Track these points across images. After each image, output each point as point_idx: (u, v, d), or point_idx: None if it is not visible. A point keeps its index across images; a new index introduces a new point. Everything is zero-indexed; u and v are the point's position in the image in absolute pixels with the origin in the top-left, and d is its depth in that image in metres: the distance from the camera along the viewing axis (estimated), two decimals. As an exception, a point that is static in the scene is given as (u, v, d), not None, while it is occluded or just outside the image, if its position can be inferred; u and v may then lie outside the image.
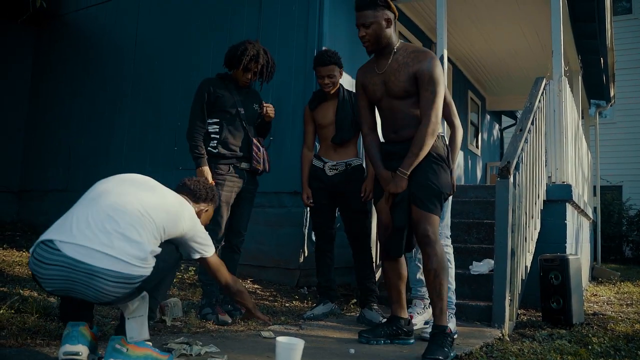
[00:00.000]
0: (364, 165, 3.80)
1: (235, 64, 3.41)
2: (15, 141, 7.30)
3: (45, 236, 2.01)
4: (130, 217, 2.09)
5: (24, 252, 4.81)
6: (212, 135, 3.34)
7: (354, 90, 3.31)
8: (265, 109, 3.54)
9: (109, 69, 6.61)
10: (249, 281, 4.64)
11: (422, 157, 2.73)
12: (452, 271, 3.37)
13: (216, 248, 3.31)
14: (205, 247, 2.42)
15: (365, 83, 2.97)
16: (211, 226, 3.29)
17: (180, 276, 4.39)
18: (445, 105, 3.36)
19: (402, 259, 2.98)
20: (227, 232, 3.40)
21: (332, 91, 3.73)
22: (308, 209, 4.62)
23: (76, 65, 7.02)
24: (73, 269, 1.93)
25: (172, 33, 5.99)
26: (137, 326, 2.10)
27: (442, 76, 2.80)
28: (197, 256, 2.40)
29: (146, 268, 2.03)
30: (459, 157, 7.77)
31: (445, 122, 3.51)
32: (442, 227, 3.35)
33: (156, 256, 2.11)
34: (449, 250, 3.40)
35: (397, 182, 2.77)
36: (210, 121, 3.36)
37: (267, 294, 4.33)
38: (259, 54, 3.42)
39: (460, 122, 3.49)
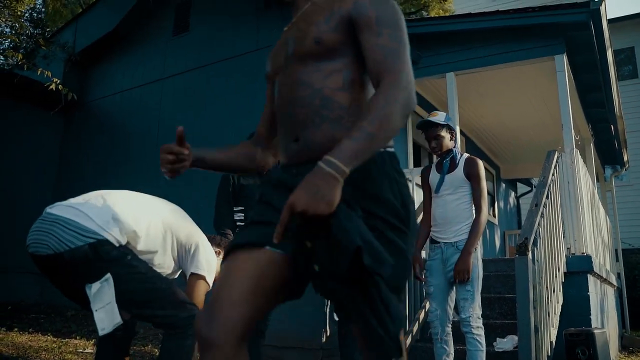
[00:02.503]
0: None
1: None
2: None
3: None
4: (125, 196, 2.30)
5: (49, 336, 4.86)
6: (238, 223, 3.47)
7: None
8: None
9: (133, 149, 6.89)
10: (271, 362, 4.63)
11: (379, 143, 1.29)
12: (482, 353, 3.34)
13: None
14: (201, 266, 2.41)
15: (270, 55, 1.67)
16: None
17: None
18: (478, 186, 3.46)
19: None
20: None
21: None
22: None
23: (101, 146, 7.34)
24: (44, 219, 2.15)
25: (194, 115, 6.28)
26: (106, 316, 2.07)
27: (403, 22, 1.48)
28: (192, 269, 2.40)
29: (104, 230, 2.11)
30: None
31: (473, 204, 3.54)
32: (474, 307, 3.35)
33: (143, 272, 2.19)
34: (481, 332, 3.36)
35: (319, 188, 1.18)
36: (236, 209, 3.50)
37: (291, 375, 4.31)
38: None
39: (486, 207, 3.52)
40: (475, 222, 3.44)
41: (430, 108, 7.46)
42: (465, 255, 3.35)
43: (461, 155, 3.63)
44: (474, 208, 3.55)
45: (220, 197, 3.51)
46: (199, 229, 2.53)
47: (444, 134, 3.57)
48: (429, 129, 3.59)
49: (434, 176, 3.65)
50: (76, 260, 2.05)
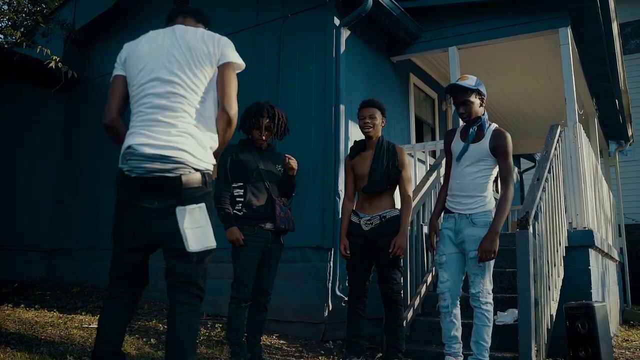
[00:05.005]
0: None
1: (243, 123, 3.61)
2: (45, 201, 7.55)
3: None
4: None
5: (54, 312, 4.92)
6: (237, 199, 3.48)
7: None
8: (287, 160, 3.64)
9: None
10: (274, 336, 4.68)
11: None
12: (489, 329, 3.31)
13: (243, 308, 3.40)
14: (225, 54, 2.38)
15: None
16: (238, 286, 3.39)
17: (207, 333, 4.45)
18: (505, 161, 3.36)
19: None
20: (253, 291, 3.48)
21: (371, 134, 3.78)
22: (331, 264, 4.69)
23: (102, 124, 7.32)
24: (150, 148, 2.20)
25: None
26: (195, 236, 2.12)
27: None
28: (225, 59, 2.37)
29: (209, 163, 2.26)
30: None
31: (492, 179, 3.47)
32: (484, 283, 3.29)
33: None
34: (490, 307, 3.31)
35: None
36: (235, 185, 3.51)
37: (293, 349, 4.36)
38: (263, 109, 3.57)
39: (513, 184, 3.43)
40: (502, 200, 3.30)
41: (432, 83, 7.41)
42: (493, 235, 3.24)
43: (489, 124, 3.44)
44: (491, 182, 3.44)
45: (220, 172, 3.50)
46: None
47: (474, 99, 3.38)
48: (457, 94, 3.41)
49: (457, 143, 3.48)
50: (188, 184, 2.13)
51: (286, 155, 3.69)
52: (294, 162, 3.66)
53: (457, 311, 3.44)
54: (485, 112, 3.49)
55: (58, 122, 7.84)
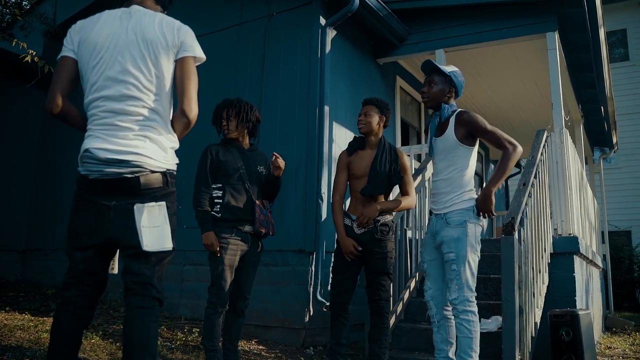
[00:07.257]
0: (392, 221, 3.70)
1: (213, 121, 3.56)
2: (21, 200, 7.35)
3: None
4: None
5: (26, 315, 4.75)
6: (216, 200, 3.36)
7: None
8: (275, 158, 3.49)
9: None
10: (253, 342, 4.56)
11: None
12: (470, 341, 3.09)
13: (220, 313, 3.29)
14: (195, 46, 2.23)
15: None
16: (215, 290, 3.28)
17: (184, 338, 4.32)
18: (486, 134, 3.12)
19: None
20: (231, 296, 3.37)
21: (362, 130, 3.68)
22: (312, 268, 4.59)
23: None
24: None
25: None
26: (152, 236, 2.03)
27: None
28: (185, 52, 2.19)
29: (173, 163, 2.19)
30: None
31: (468, 171, 3.22)
32: (461, 289, 3.06)
33: None
34: (469, 316, 3.08)
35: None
36: (214, 186, 3.39)
37: (273, 355, 4.25)
38: (223, 101, 3.54)
39: (513, 145, 3.10)
40: (503, 159, 3.06)
41: (418, 85, 7.34)
42: (487, 193, 3.04)
43: (453, 112, 3.22)
44: (469, 176, 3.19)
45: (200, 173, 3.39)
46: None
47: (438, 81, 3.21)
48: (428, 72, 3.28)
49: (430, 140, 3.35)
50: (147, 185, 2.05)
51: (274, 153, 3.54)
52: (281, 162, 3.52)
53: (447, 322, 3.25)
54: (453, 105, 3.28)
55: (36, 118, 7.65)
